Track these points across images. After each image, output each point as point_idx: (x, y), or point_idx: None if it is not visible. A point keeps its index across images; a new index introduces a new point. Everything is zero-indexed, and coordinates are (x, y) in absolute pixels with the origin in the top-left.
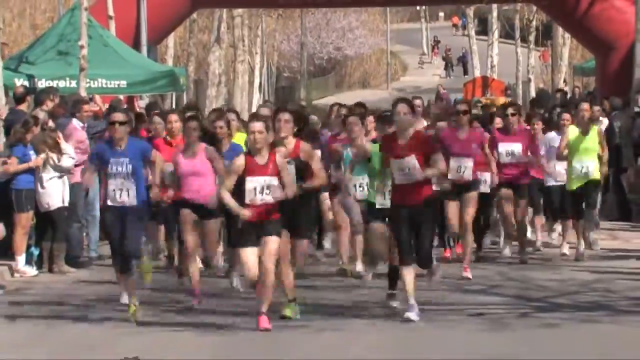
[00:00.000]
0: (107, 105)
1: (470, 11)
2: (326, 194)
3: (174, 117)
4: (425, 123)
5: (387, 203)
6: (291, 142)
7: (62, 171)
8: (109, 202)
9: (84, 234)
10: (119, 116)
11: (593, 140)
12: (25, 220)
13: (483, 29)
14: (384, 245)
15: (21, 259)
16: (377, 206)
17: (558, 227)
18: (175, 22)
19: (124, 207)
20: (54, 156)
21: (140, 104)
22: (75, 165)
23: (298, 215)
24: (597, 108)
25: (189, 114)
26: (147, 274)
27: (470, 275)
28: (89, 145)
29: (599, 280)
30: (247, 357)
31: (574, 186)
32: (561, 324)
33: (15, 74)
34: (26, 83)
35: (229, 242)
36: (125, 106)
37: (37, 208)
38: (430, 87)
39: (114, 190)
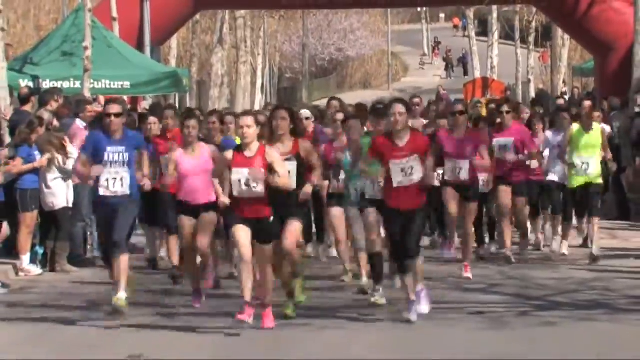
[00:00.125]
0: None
1: (471, 12)
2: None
3: (170, 113)
4: (424, 122)
5: (378, 195)
6: (289, 139)
7: (66, 174)
8: (102, 192)
9: (88, 233)
10: (114, 108)
11: (595, 138)
12: (29, 219)
13: (483, 30)
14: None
15: (26, 258)
16: (367, 197)
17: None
18: (178, 24)
19: (116, 197)
20: (60, 157)
21: (144, 105)
22: None
23: (290, 199)
24: (597, 114)
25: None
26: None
27: (470, 275)
28: None
29: (598, 279)
30: (247, 357)
31: (575, 184)
32: (560, 322)
33: (20, 75)
34: (31, 84)
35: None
36: (129, 106)
37: (41, 207)
38: (430, 87)
39: (107, 179)
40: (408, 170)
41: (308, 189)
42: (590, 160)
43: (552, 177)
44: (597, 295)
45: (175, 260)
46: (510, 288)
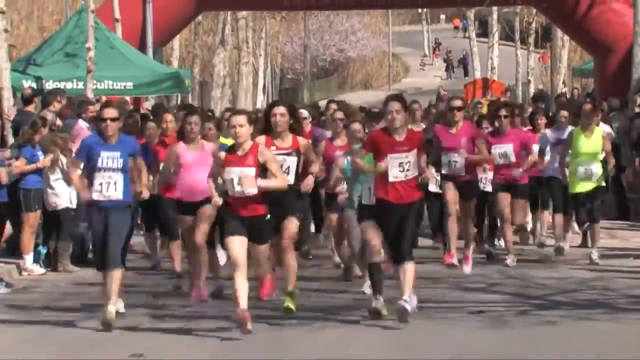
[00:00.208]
0: None
1: (471, 14)
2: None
3: (169, 117)
4: (423, 126)
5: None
6: (288, 135)
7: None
8: (95, 197)
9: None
10: (110, 112)
11: (596, 143)
12: (33, 219)
13: (483, 31)
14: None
15: (29, 257)
16: (363, 202)
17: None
18: (180, 25)
19: (110, 202)
20: (63, 158)
21: (147, 105)
22: None
23: (287, 196)
24: (596, 118)
25: (188, 109)
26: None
27: (469, 270)
28: None
29: (597, 278)
30: (247, 357)
31: (577, 190)
32: (560, 321)
33: (23, 76)
34: (34, 85)
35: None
36: (131, 107)
37: (44, 207)
38: (431, 88)
39: (100, 183)
40: (406, 165)
41: (309, 180)
42: (592, 166)
43: (549, 173)
44: (596, 295)
45: (178, 266)
46: (510, 287)
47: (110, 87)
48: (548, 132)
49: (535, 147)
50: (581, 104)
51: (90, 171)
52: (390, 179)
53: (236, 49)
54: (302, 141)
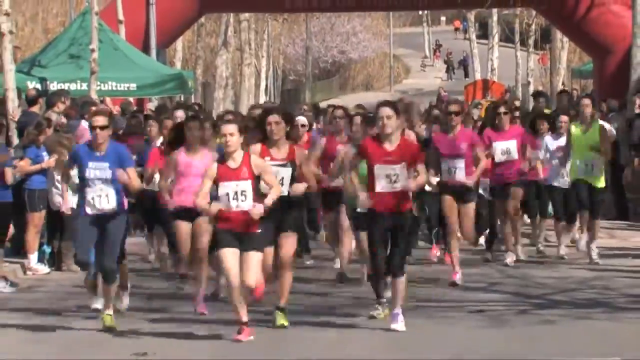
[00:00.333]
0: (117, 107)
1: (471, 15)
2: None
3: (169, 123)
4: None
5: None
6: (285, 144)
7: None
8: (88, 210)
9: None
10: (100, 120)
11: (595, 137)
12: (37, 219)
13: (484, 33)
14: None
15: (33, 257)
16: (358, 209)
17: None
18: (183, 26)
19: (104, 214)
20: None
21: (150, 106)
22: None
23: (285, 211)
24: (591, 110)
25: (190, 114)
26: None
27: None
28: None
29: (596, 277)
30: (247, 357)
31: (578, 178)
32: (560, 320)
33: (28, 77)
34: (38, 86)
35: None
36: (135, 108)
37: (49, 207)
38: (432, 89)
39: (92, 198)
40: (393, 177)
41: (300, 187)
42: (593, 161)
43: (555, 182)
44: (596, 294)
45: (182, 267)
46: (510, 287)
47: (114, 88)
48: (548, 138)
49: (538, 153)
50: (580, 99)
51: (80, 180)
52: (377, 190)
53: (239, 50)
54: (299, 151)
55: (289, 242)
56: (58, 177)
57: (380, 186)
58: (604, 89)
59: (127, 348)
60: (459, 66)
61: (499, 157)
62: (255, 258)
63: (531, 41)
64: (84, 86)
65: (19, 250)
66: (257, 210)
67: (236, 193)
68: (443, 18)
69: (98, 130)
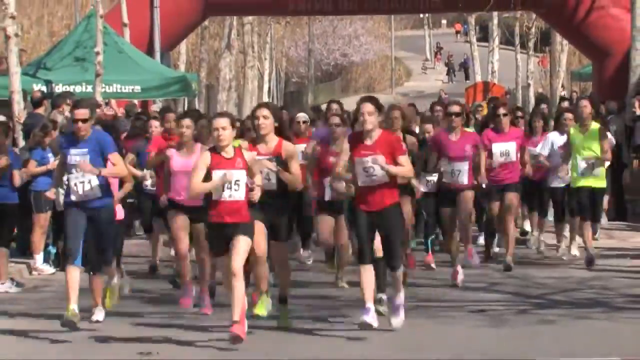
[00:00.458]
0: (122, 109)
1: (472, 18)
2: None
3: (171, 116)
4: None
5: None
6: (273, 139)
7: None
8: (73, 198)
9: None
10: (81, 113)
11: (595, 139)
12: (43, 220)
13: (484, 36)
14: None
15: (39, 257)
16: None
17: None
18: (187, 29)
19: (90, 204)
20: None
21: (154, 108)
22: None
23: (278, 217)
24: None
25: (182, 112)
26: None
27: (477, 260)
28: None
29: (596, 278)
30: (247, 357)
31: (579, 184)
32: (559, 320)
33: (34, 80)
34: (44, 88)
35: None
36: (139, 110)
37: (54, 208)
38: (433, 91)
39: (75, 184)
40: (370, 170)
41: (257, 193)
42: (594, 160)
43: (558, 183)
44: (595, 294)
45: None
46: (510, 287)
47: (119, 90)
48: (554, 134)
49: (535, 150)
50: (579, 100)
51: (65, 170)
52: (360, 184)
53: (242, 53)
54: (287, 146)
55: (279, 250)
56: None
57: (361, 180)
58: (603, 92)
59: (132, 347)
60: (460, 69)
61: (497, 159)
62: (244, 243)
63: (531, 44)
64: (89, 88)
65: (24, 250)
66: (256, 194)
67: (230, 182)
68: (444, 21)
69: (80, 123)
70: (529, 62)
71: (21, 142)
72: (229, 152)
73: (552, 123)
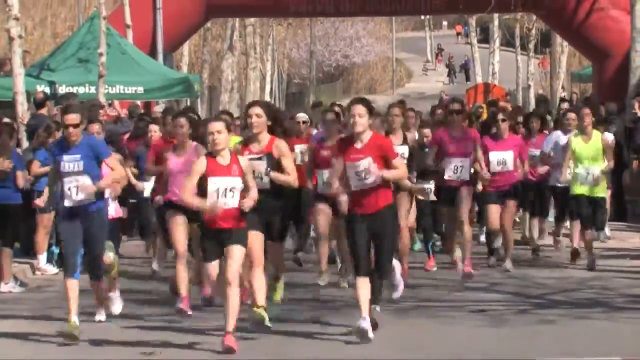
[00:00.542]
0: (125, 111)
1: (473, 20)
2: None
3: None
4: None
5: None
6: (265, 137)
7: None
8: (67, 203)
9: None
10: (71, 118)
11: (595, 147)
12: (47, 220)
13: (485, 38)
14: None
15: (42, 257)
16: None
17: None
18: (190, 31)
19: (84, 208)
20: None
21: (157, 109)
22: None
23: (273, 216)
24: (588, 119)
25: (178, 111)
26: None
27: (472, 271)
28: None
29: (595, 278)
30: (248, 357)
31: (578, 192)
32: (559, 320)
33: (37, 81)
34: (47, 89)
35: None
36: (142, 111)
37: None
38: (433, 93)
39: (69, 188)
40: (361, 173)
41: (249, 202)
42: (595, 169)
43: (557, 183)
44: (595, 294)
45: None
46: (510, 287)
47: (122, 91)
48: (558, 133)
49: (534, 152)
50: (580, 109)
51: (59, 176)
52: (352, 188)
53: (244, 54)
54: (279, 144)
55: (275, 250)
56: None
57: (354, 185)
58: (603, 93)
59: (134, 347)
60: (461, 70)
61: (494, 167)
62: (238, 251)
63: (531, 45)
64: (92, 89)
65: (28, 250)
66: (248, 203)
67: (225, 190)
68: (445, 23)
69: (71, 129)
70: (530, 64)
71: (25, 143)
72: (225, 158)
73: (551, 124)
